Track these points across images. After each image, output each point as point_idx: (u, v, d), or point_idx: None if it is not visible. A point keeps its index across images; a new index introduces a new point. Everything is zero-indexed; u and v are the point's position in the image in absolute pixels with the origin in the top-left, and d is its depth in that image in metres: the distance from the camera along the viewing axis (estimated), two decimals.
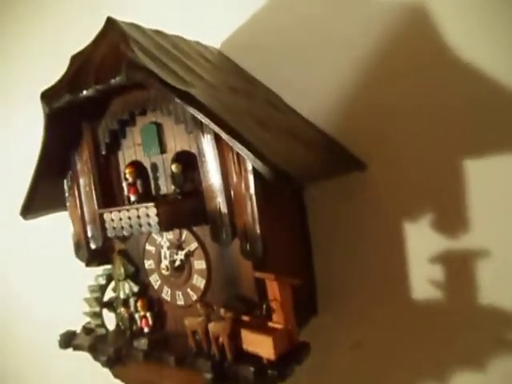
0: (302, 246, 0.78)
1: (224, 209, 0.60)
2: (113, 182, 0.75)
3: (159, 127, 0.69)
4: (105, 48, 0.60)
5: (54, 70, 0.65)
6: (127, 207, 0.64)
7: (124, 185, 0.70)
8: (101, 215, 0.67)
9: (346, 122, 0.76)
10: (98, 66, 0.58)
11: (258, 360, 0.57)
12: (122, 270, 0.75)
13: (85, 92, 0.59)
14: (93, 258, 0.77)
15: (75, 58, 0.64)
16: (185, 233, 0.69)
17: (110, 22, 0.64)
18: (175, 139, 0.68)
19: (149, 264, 0.74)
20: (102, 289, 0.78)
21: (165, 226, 0.62)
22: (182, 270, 0.70)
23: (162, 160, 0.70)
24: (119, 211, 0.65)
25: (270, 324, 0.59)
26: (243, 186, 0.58)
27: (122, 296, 0.75)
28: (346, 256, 0.77)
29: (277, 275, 0.58)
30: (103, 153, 0.73)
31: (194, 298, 0.69)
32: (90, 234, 0.76)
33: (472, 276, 0.68)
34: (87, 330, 0.78)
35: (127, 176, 0.70)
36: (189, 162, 0.68)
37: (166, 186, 0.70)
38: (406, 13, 0.70)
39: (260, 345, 0.56)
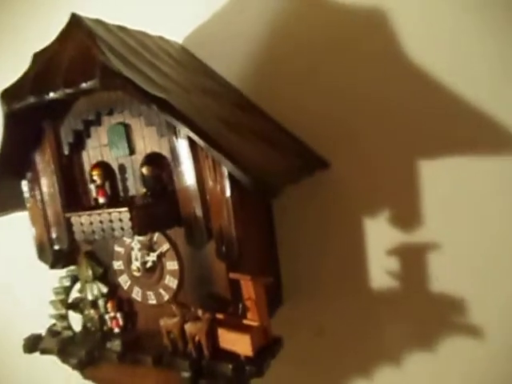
0: (268, 242, 0.80)
1: (199, 212, 0.61)
2: (77, 183, 0.73)
3: (127, 128, 0.68)
4: (72, 48, 0.58)
5: (14, 68, 0.62)
6: (98, 211, 0.63)
7: (92, 187, 0.69)
8: (68, 219, 0.65)
9: (309, 121, 0.79)
10: (66, 68, 0.56)
11: (236, 357, 0.59)
12: (90, 272, 0.74)
13: (52, 94, 0.57)
14: (57, 260, 0.75)
15: (38, 57, 0.61)
16: (156, 234, 0.69)
17: (75, 19, 0.62)
18: (144, 140, 0.67)
19: (118, 265, 0.74)
20: (67, 290, 0.77)
21: (138, 230, 0.62)
22: (153, 271, 0.70)
23: (130, 161, 0.69)
24: (89, 215, 0.64)
25: (245, 322, 0.61)
26: (219, 190, 0.59)
27: (90, 297, 0.74)
28: (310, 250, 0.81)
29: (252, 276, 0.60)
30: (66, 153, 0.71)
31: (166, 297, 0.70)
32: (54, 236, 0.74)
33: (424, 266, 0.75)
34: (53, 332, 0.77)
35: (95, 178, 0.68)
36: (158, 164, 0.68)
37: (134, 188, 0.70)
38: (367, 14, 0.73)
39: (237, 342, 0.59)
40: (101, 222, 0.64)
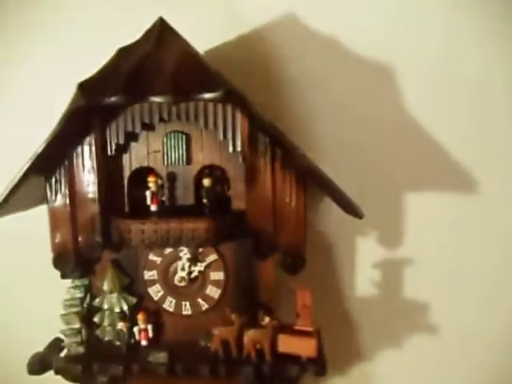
0: None
1: (270, 226, 0.66)
2: (113, 187, 0.69)
3: (187, 137, 0.68)
4: (174, 54, 0.57)
5: None
6: (166, 220, 0.63)
7: (147, 193, 0.66)
8: (107, 223, 0.64)
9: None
10: (172, 74, 0.55)
11: (297, 359, 0.65)
12: (117, 282, 0.70)
13: (157, 98, 0.55)
14: (76, 268, 0.69)
15: (124, 53, 0.59)
16: None
17: (165, 24, 0.61)
18: (203, 152, 0.69)
19: (150, 275, 0.71)
20: (82, 302, 0.71)
21: (214, 241, 0.64)
22: (194, 281, 0.71)
23: (183, 170, 0.69)
24: (155, 223, 0.63)
25: (298, 327, 0.68)
26: (294, 207, 0.65)
27: (117, 309, 0.69)
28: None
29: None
30: (111, 154, 0.67)
31: (205, 307, 0.71)
32: (83, 242, 0.67)
33: (401, 278, 0.92)
34: (59, 349, 0.69)
35: (150, 184, 0.66)
36: (216, 176, 0.70)
37: (184, 198, 0.70)
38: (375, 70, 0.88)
39: (300, 346, 0.65)
40: (168, 231, 0.63)
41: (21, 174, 0.61)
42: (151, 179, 0.66)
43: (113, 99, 0.56)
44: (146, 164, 0.69)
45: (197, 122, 0.65)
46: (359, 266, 0.92)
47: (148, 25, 0.63)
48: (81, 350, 0.70)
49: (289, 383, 0.64)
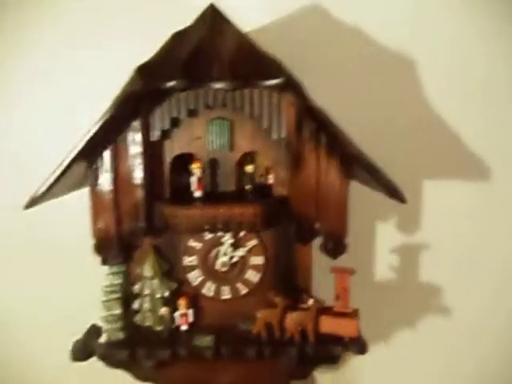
0: None
1: (313, 211, 0.68)
2: (156, 173, 0.69)
3: (231, 124, 0.68)
4: (230, 41, 0.58)
5: None
6: (213, 206, 0.64)
7: (193, 179, 0.67)
8: (151, 209, 0.65)
9: None
10: (230, 61, 0.56)
11: (339, 340, 0.68)
12: (157, 267, 0.70)
13: (217, 84, 0.55)
14: (119, 254, 0.69)
15: (178, 38, 0.59)
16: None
17: (216, 11, 0.62)
18: (245, 138, 0.69)
19: (189, 260, 0.72)
20: (122, 288, 0.71)
21: (259, 226, 0.65)
22: (234, 266, 0.72)
23: (224, 157, 0.70)
24: (202, 209, 0.64)
25: (336, 309, 0.70)
26: (338, 192, 0.67)
27: (158, 295, 0.70)
28: None
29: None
30: (154, 139, 0.67)
31: (244, 291, 0.73)
32: (126, 228, 0.67)
33: (417, 262, 0.96)
34: (96, 335, 0.70)
35: (195, 171, 0.67)
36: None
37: (224, 184, 0.70)
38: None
39: (342, 326, 0.67)
40: (215, 217, 0.64)
41: (69, 160, 0.60)
42: (196, 165, 0.67)
43: (172, 84, 0.56)
44: (188, 150, 0.69)
45: (242, 109, 0.65)
46: (378, 251, 0.96)
47: None
48: (120, 335, 0.70)
49: (331, 363, 0.67)
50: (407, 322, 0.98)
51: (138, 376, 0.70)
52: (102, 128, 0.59)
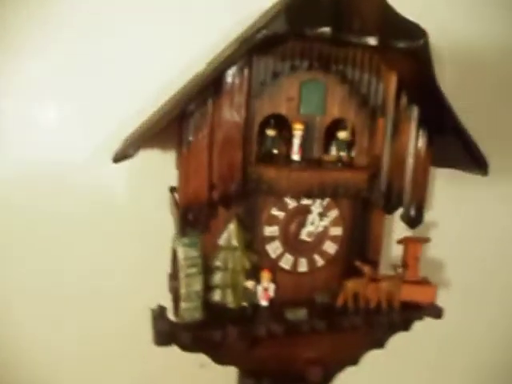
0: None
1: (401, 181, 0.68)
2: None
3: (325, 87, 0.65)
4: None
5: None
6: (319, 170, 0.61)
7: (295, 141, 0.62)
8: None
9: None
10: (375, 19, 0.53)
11: (417, 306, 0.70)
12: (241, 238, 0.64)
13: (367, 40, 0.52)
14: (199, 222, 0.61)
15: None
16: (326, 200, 0.68)
17: None
18: (335, 104, 0.67)
19: (271, 231, 0.67)
20: (201, 261, 0.62)
21: (365, 192, 0.63)
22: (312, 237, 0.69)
23: (315, 121, 0.66)
24: (308, 172, 0.61)
25: (408, 278, 0.72)
26: (423, 162, 0.68)
27: (241, 268, 0.63)
28: None
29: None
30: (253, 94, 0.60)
31: (320, 263, 0.70)
32: (218, 191, 0.59)
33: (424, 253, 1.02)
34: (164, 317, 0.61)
35: (297, 132, 0.62)
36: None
37: (316, 150, 0.67)
38: None
39: (421, 294, 0.70)
40: (322, 181, 0.61)
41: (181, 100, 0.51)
42: (298, 126, 0.62)
43: (320, 31, 0.51)
44: (279, 111, 0.64)
45: (341, 72, 0.63)
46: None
47: None
48: (196, 315, 0.62)
49: (404, 330, 0.69)
50: None
51: (220, 360, 0.63)
52: (216, 70, 0.52)
